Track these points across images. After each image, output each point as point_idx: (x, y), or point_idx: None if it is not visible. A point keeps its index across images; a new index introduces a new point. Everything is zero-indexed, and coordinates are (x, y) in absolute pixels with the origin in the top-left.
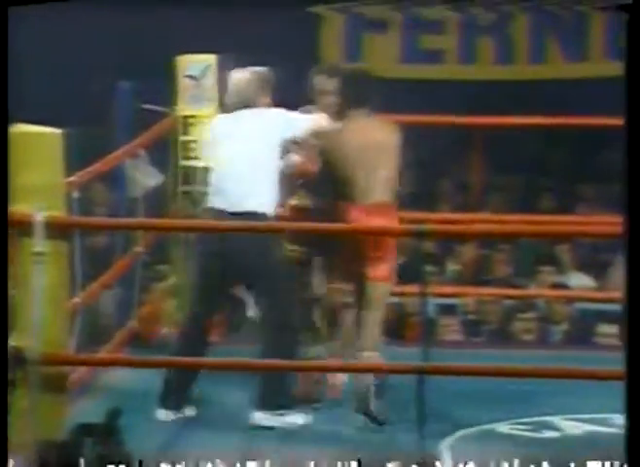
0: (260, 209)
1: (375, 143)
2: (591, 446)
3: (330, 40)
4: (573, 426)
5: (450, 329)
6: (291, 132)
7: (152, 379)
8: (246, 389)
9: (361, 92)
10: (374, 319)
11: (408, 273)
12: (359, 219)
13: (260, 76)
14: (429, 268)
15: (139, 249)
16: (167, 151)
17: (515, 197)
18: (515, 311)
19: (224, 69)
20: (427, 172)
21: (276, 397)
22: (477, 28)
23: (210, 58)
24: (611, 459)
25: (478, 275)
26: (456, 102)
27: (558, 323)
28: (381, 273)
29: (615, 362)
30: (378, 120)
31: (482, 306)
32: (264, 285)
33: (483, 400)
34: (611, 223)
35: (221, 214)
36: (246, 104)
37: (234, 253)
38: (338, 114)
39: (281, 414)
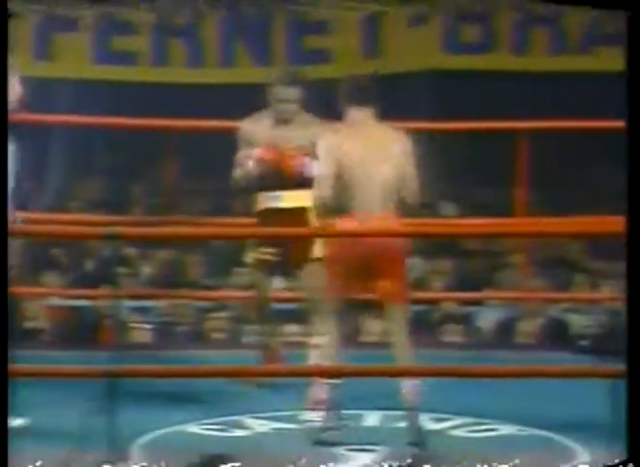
0: None
1: (375, 148)
2: (280, 442)
3: (20, 38)
4: (261, 424)
5: (144, 331)
6: None
7: None
8: None
9: (363, 93)
10: (401, 342)
11: (101, 276)
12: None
13: None
14: (123, 270)
15: None
16: None
17: (209, 199)
18: (208, 312)
19: None
20: (121, 176)
21: None
22: (169, 30)
23: None
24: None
25: (172, 278)
26: (150, 105)
27: (251, 323)
28: (394, 292)
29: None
30: (382, 122)
31: (176, 308)
32: None
33: (174, 401)
34: None
35: None
36: None
37: None
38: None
39: None
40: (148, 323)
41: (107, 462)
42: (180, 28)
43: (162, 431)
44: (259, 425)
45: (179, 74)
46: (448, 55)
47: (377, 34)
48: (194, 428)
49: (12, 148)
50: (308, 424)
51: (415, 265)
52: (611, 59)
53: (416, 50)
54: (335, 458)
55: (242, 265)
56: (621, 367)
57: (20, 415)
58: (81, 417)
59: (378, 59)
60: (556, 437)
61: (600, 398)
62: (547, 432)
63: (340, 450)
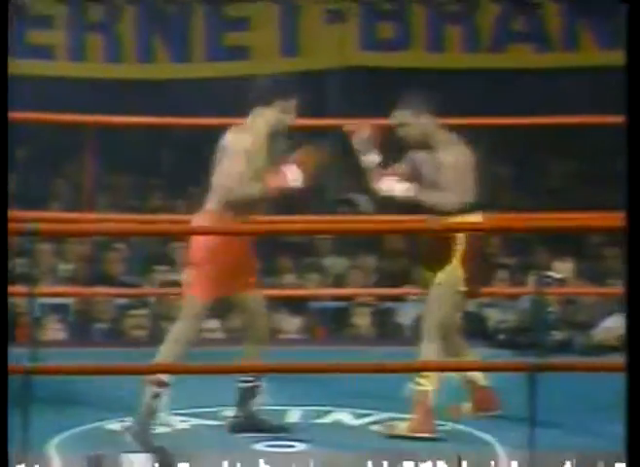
0: None
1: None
2: (200, 439)
3: None
4: (182, 421)
5: (59, 328)
6: None
7: None
8: None
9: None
10: (173, 332)
11: (16, 273)
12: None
13: None
14: (40, 267)
15: None
16: None
17: (126, 195)
18: (128, 309)
19: None
20: (41, 171)
21: None
22: (86, 24)
23: None
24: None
25: (91, 274)
26: (66, 100)
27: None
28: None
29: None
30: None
31: (95, 305)
32: None
33: (92, 399)
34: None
35: None
36: None
37: None
38: None
39: None
40: (65, 320)
41: (22, 462)
42: (97, 23)
43: (81, 429)
44: (179, 422)
45: (97, 69)
46: (366, 52)
47: (296, 31)
48: (113, 425)
49: None
50: (229, 421)
51: (336, 261)
52: (521, 56)
53: (334, 47)
54: (256, 454)
55: (162, 262)
56: (537, 360)
57: None
58: None
59: (297, 56)
60: (474, 431)
61: (518, 391)
62: (464, 426)
63: (261, 447)
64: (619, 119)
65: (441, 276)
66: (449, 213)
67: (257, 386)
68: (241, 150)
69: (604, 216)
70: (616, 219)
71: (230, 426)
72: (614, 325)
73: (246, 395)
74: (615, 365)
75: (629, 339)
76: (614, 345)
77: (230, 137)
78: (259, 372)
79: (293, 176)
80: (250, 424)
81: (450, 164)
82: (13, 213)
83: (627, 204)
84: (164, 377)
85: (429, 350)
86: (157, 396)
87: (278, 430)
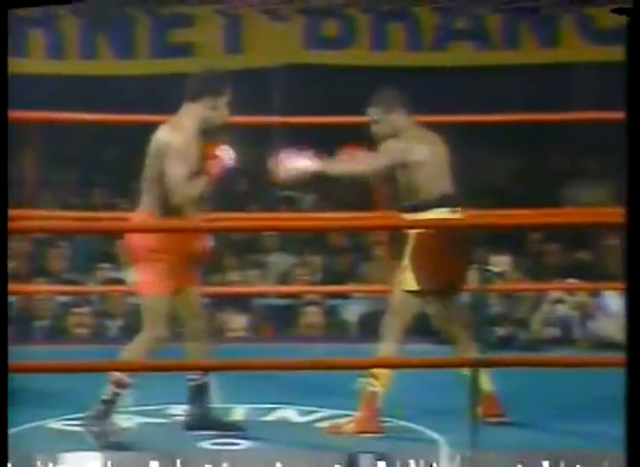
0: None
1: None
2: (146, 436)
3: None
4: (125, 419)
5: None
6: None
7: None
8: None
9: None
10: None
11: None
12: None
13: None
14: None
15: None
16: None
17: (68, 192)
18: (71, 307)
19: None
20: None
21: None
22: (28, 20)
23: None
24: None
25: (33, 272)
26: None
27: (114, 318)
28: (141, 283)
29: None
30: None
31: (38, 303)
32: None
33: (33, 398)
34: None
35: None
36: None
37: None
38: None
39: None
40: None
41: None
42: (38, 19)
43: (21, 428)
44: (123, 420)
45: (38, 65)
46: (309, 51)
47: (240, 28)
48: (55, 424)
49: None
50: (174, 418)
51: (281, 259)
52: (464, 55)
53: (278, 45)
54: (201, 452)
55: (105, 260)
56: (480, 356)
57: None
58: None
59: (241, 54)
60: (418, 427)
61: (459, 388)
62: (408, 422)
63: (207, 445)
64: (618, 115)
65: (396, 277)
66: (420, 209)
67: (205, 384)
68: (176, 150)
69: (544, 213)
70: (561, 215)
71: (183, 424)
72: (544, 318)
73: (195, 393)
74: (558, 360)
75: (629, 338)
76: (552, 340)
77: (161, 136)
78: (206, 369)
79: (228, 156)
80: (200, 422)
81: (421, 160)
82: None
83: (627, 201)
84: (125, 378)
85: (384, 350)
86: (116, 395)
87: (225, 428)
